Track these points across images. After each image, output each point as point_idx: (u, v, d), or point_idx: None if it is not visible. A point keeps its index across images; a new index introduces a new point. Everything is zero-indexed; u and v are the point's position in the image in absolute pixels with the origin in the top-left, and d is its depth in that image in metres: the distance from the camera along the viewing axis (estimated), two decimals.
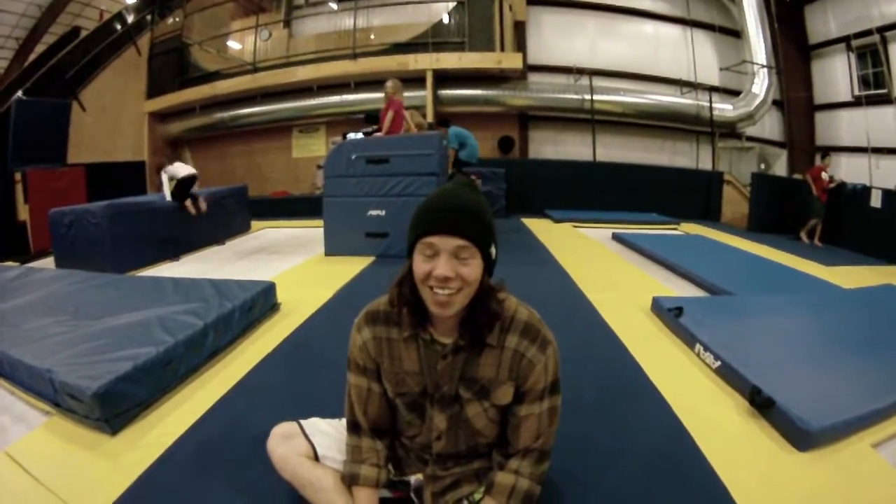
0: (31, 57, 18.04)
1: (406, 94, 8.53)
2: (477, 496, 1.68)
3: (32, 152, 10.93)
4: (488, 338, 1.59)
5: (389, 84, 8.09)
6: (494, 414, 1.68)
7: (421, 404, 1.71)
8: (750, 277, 6.67)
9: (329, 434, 1.94)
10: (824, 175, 10.89)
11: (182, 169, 8.70)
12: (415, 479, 1.85)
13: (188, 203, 8.61)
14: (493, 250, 1.53)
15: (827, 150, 11.68)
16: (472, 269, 1.47)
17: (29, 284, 5.27)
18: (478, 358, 1.61)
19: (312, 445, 1.86)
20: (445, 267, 1.43)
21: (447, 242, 1.44)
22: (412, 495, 1.87)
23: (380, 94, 8.56)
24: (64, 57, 15.73)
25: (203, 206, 8.80)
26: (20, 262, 8.02)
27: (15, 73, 16.67)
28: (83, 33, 17.32)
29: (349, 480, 1.72)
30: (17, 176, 10.57)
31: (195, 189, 8.80)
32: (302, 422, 1.92)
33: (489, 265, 1.54)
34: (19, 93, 13.07)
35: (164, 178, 8.60)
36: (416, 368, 1.66)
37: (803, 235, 10.95)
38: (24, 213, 10.42)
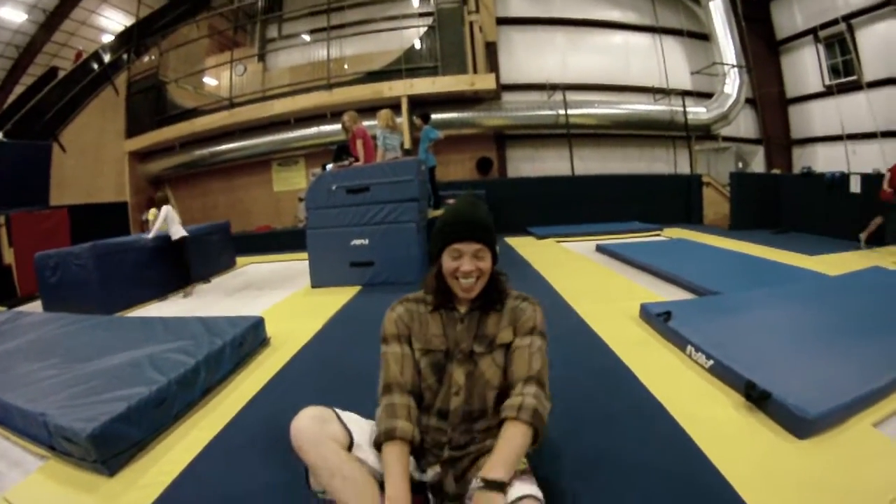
0: (10, 98, 18.04)
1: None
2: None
3: (15, 195, 10.90)
4: (496, 305, 2.09)
5: (346, 117, 8.35)
6: (500, 359, 2.03)
7: (443, 366, 2.04)
8: (736, 275, 6.75)
9: (362, 427, 2.03)
10: None
11: (176, 225, 8.57)
12: (432, 473, 1.97)
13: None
14: (497, 248, 2.05)
15: None
16: (486, 262, 1.99)
17: (17, 329, 5.25)
18: (486, 320, 2.06)
19: (350, 433, 1.93)
20: (469, 264, 1.95)
21: (469, 247, 1.95)
22: (429, 494, 1.96)
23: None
24: (43, 98, 15.74)
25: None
26: (7, 307, 7.98)
27: None
28: (61, 73, 17.33)
29: (384, 437, 1.86)
30: (1, 219, 10.52)
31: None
32: (337, 409, 2.03)
33: (495, 258, 2.04)
34: None
35: (163, 215, 8.47)
36: (440, 331, 2.07)
37: (864, 236, 9.35)
38: (8, 256, 10.36)
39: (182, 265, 8.49)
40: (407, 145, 13.17)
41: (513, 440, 1.80)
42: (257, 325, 4.85)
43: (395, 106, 13.79)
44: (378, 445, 1.88)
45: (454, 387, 2.01)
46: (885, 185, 8.99)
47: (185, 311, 7.05)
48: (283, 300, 7.31)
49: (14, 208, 10.67)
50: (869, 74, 15.15)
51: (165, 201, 8.55)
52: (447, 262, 1.99)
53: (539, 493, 1.74)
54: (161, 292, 8.35)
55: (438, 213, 8.83)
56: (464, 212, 2.03)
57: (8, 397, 3.32)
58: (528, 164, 16.98)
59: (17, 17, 18.34)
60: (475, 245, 1.96)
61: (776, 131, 18.00)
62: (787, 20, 17.56)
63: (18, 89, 18.51)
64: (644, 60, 17.42)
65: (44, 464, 2.95)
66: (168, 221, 8.34)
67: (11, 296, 9.85)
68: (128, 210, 15.36)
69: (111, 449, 2.77)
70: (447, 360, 2.04)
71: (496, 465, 1.71)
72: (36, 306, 7.90)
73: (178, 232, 8.35)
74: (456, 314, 2.09)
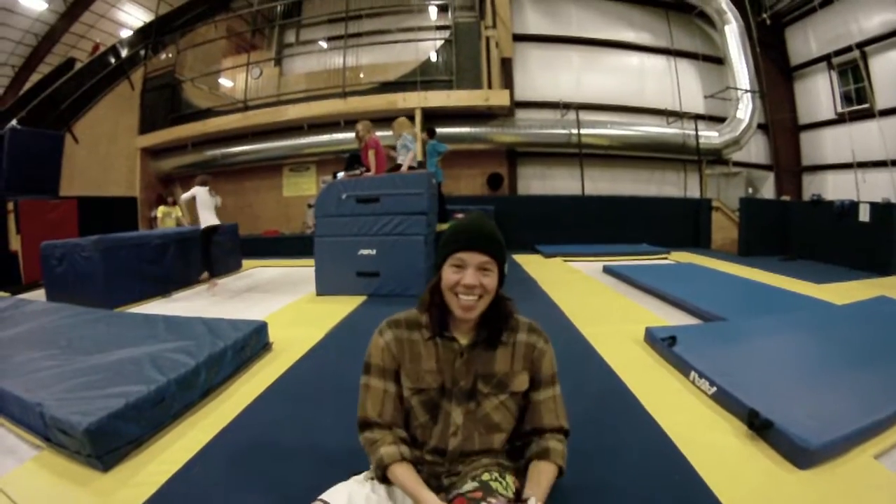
0: (26, 86, 18.17)
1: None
2: (485, 476, 1.73)
3: (25, 182, 10.92)
4: (501, 337, 1.87)
5: (360, 127, 8.33)
6: (512, 404, 1.88)
7: (437, 403, 1.85)
8: (742, 302, 6.69)
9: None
10: None
11: (207, 211, 8.27)
12: None
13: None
14: (505, 267, 1.85)
15: None
16: (492, 280, 1.77)
17: (19, 316, 5.26)
18: (492, 355, 1.86)
19: None
20: (472, 277, 1.73)
21: (474, 258, 1.74)
22: None
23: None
24: (58, 88, 15.87)
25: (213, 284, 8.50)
26: (11, 294, 7.99)
27: (10, 102, 16.76)
28: (78, 65, 17.48)
29: (380, 471, 1.77)
30: (10, 206, 10.59)
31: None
32: None
33: (502, 279, 1.83)
34: (13, 122, 13.09)
35: (190, 194, 8.26)
36: (435, 367, 1.85)
37: None
38: (15, 243, 10.42)
39: (204, 254, 8.31)
40: (419, 157, 13.22)
41: (548, 475, 1.79)
42: (260, 329, 4.83)
43: (408, 118, 13.80)
44: (383, 480, 1.79)
45: (451, 427, 1.85)
46: None
47: (188, 310, 7.03)
48: (287, 306, 7.29)
49: (24, 195, 10.71)
50: (881, 102, 15.15)
51: (204, 183, 8.30)
52: (448, 275, 1.78)
53: None
54: (165, 290, 8.35)
55: (446, 226, 8.83)
56: (474, 223, 1.83)
57: (6, 385, 3.32)
58: (539, 181, 17.00)
59: (37, 5, 18.52)
60: (482, 256, 1.75)
61: (787, 158, 18.01)
62: (802, 46, 17.66)
63: (35, 77, 18.68)
64: (658, 82, 17.49)
65: (38, 454, 2.93)
66: (198, 205, 8.06)
67: (16, 283, 9.87)
68: (137, 206, 15.39)
69: (107, 444, 2.75)
70: (441, 397, 1.86)
71: (534, 489, 1.72)
72: (39, 295, 7.90)
73: (207, 220, 8.13)
74: (455, 346, 1.85)
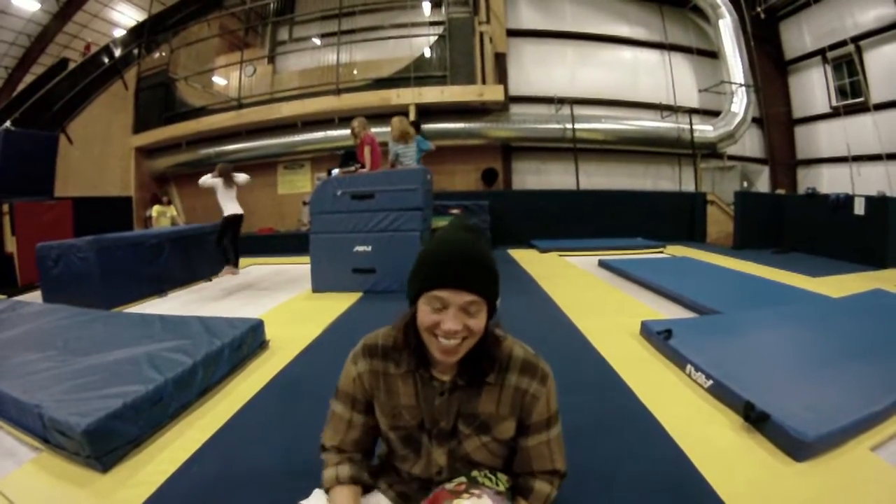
0: (20, 87, 18.11)
1: (389, 129, 8.68)
2: (474, 473, 1.63)
3: (20, 184, 10.90)
4: (487, 378, 1.58)
5: (355, 123, 8.30)
6: (496, 448, 1.64)
7: (417, 439, 1.66)
8: (737, 295, 6.70)
9: None
10: None
11: (230, 201, 8.36)
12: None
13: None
14: (498, 302, 1.52)
15: None
16: (479, 320, 1.44)
17: (16, 318, 5.26)
18: (476, 395, 1.59)
19: None
20: (454, 321, 1.40)
21: (457, 298, 1.40)
22: None
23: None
24: (52, 88, 15.80)
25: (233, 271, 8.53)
26: (7, 296, 7.99)
27: (3, 103, 16.70)
28: (71, 65, 17.42)
29: (326, 492, 1.67)
30: (5, 208, 10.54)
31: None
32: None
33: (492, 311, 1.51)
34: (7, 123, 13.06)
35: (210, 181, 8.26)
36: (413, 402, 1.63)
37: None
38: (10, 245, 10.38)
39: (218, 244, 8.27)
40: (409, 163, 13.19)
41: None
42: (256, 327, 4.84)
43: (403, 114, 13.79)
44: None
45: (434, 467, 1.67)
46: None
47: (184, 309, 7.04)
48: (284, 303, 7.30)
49: (19, 197, 10.68)
50: (876, 96, 15.15)
51: (226, 174, 8.31)
52: (424, 314, 1.45)
53: None
54: (161, 289, 8.35)
55: (441, 222, 8.80)
56: (456, 247, 1.45)
57: (3, 387, 3.32)
58: (534, 176, 16.95)
59: (30, 5, 18.46)
60: (467, 296, 1.40)
61: (782, 151, 18.00)
62: (796, 40, 17.62)
63: (28, 78, 18.62)
64: (652, 77, 17.42)
65: (37, 456, 2.94)
66: (218, 196, 8.07)
67: (12, 285, 9.86)
68: (132, 205, 15.40)
69: (105, 445, 2.76)
70: (421, 433, 1.65)
71: None
72: (36, 296, 7.88)
73: (228, 209, 8.18)
74: (435, 384, 1.60)
